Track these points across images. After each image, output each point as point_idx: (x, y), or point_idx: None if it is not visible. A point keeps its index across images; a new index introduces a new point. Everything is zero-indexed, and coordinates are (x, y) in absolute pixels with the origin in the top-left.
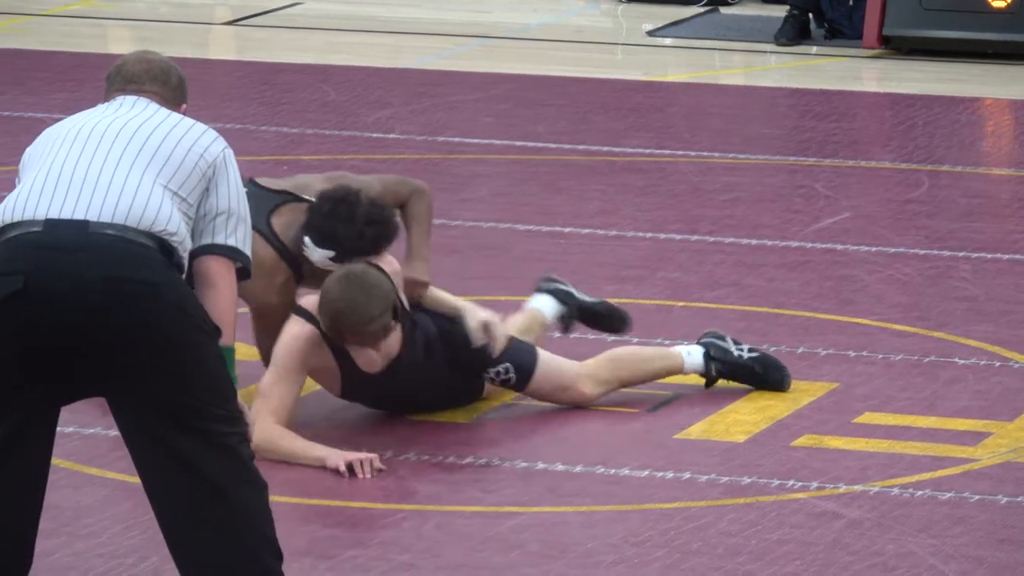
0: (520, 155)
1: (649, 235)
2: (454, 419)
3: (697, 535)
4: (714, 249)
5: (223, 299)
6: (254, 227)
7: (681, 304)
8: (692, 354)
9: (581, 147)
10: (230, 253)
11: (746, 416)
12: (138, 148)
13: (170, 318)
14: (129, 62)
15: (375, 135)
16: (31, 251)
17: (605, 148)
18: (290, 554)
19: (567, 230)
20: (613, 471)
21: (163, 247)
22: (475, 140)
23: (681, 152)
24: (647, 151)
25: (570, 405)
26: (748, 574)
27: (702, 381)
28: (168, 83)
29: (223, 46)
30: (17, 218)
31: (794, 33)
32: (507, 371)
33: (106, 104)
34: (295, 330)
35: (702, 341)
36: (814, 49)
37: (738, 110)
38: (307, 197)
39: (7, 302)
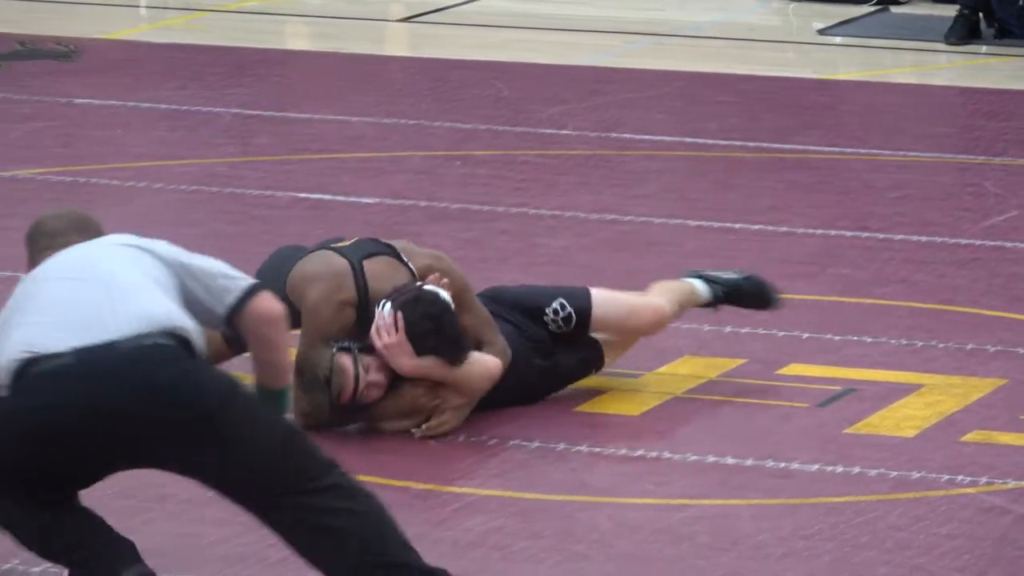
0: (691, 152)
1: (819, 232)
2: (626, 412)
3: (866, 529)
4: (883, 246)
5: (278, 339)
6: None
7: (851, 300)
8: (695, 284)
9: (752, 144)
10: (257, 288)
11: (916, 411)
12: (112, 267)
13: (211, 394)
14: (47, 220)
15: (548, 131)
16: (70, 382)
17: (775, 145)
18: (462, 546)
19: (737, 226)
20: (783, 465)
21: (180, 341)
22: (647, 137)
23: (851, 150)
24: (817, 148)
25: (646, 330)
26: (917, 568)
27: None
28: (88, 230)
29: (397, 42)
30: (42, 350)
31: (964, 32)
32: (563, 307)
33: (44, 261)
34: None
35: (689, 272)
36: (984, 49)
37: (908, 109)
38: (406, 260)
39: (56, 426)
